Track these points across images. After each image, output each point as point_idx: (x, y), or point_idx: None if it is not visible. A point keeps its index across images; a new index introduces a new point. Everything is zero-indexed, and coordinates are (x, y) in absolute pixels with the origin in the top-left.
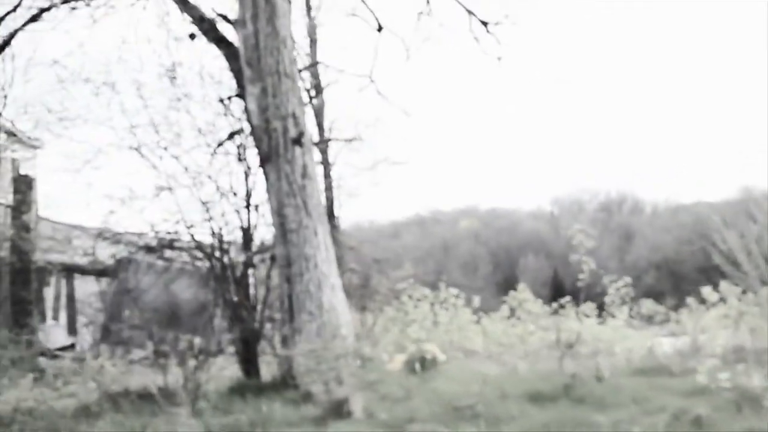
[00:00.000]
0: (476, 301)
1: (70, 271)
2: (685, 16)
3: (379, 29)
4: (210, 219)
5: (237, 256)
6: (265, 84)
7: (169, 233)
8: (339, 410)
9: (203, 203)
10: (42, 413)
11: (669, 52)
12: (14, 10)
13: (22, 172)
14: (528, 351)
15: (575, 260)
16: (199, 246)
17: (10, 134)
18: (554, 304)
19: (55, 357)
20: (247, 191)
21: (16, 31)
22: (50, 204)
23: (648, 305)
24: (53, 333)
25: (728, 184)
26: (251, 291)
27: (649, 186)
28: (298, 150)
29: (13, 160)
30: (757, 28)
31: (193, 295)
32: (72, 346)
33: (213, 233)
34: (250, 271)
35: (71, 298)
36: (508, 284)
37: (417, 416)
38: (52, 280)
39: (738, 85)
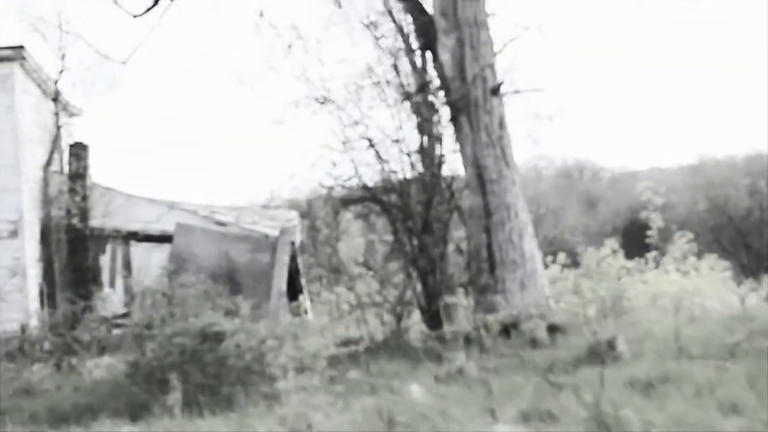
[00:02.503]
0: (561, 257)
1: (127, 238)
2: None
3: None
4: (391, 171)
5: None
6: (462, 34)
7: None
8: (606, 352)
9: (379, 157)
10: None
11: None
12: None
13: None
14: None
15: (644, 217)
16: (376, 197)
17: (58, 101)
18: (639, 260)
19: (115, 326)
20: (426, 143)
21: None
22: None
23: (712, 260)
24: (110, 301)
25: (681, 152)
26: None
27: (602, 153)
28: (495, 100)
29: (59, 128)
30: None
31: (250, 260)
32: (128, 314)
33: (393, 186)
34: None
35: (128, 266)
36: None
37: (688, 354)
38: (108, 247)
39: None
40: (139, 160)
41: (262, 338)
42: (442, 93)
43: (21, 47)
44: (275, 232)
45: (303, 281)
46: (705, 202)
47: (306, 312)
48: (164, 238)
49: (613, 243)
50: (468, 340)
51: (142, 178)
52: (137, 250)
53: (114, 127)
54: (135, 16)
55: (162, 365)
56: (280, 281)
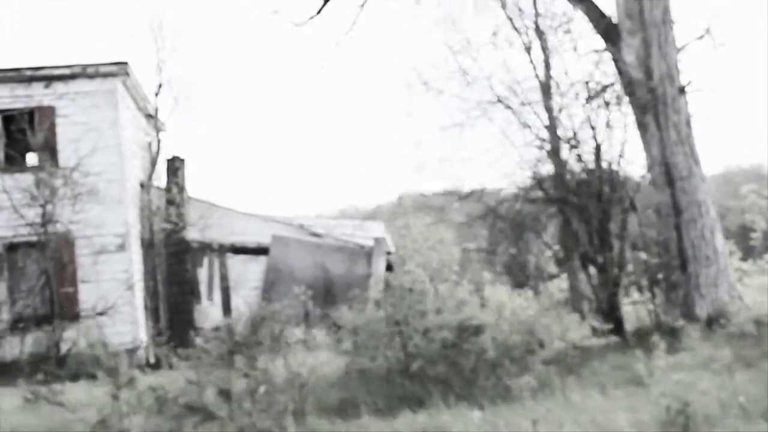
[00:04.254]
0: None
1: (224, 251)
2: None
3: None
4: (569, 171)
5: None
6: (648, 35)
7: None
8: None
9: (557, 156)
10: None
11: None
12: None
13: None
14: None
15: (749, 220)
16: (559, 197)
17: (149, 117)
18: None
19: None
20: (603, 143)
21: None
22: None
23: None
24: (208, 313)
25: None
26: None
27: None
28: (682, 99)
29: (159, 142)
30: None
31: (346, 271)
32: (229, 326)
33: (570, 185)
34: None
35: (225, 278)
36: None
37: None
38: (205, 260)
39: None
40: (226, 172)
41: (527, 330)
42: (623, 93)
43: (125, 63)
44: (370, 243)
45: None
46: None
47: None
48: (260, 250)
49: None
50: (674, 333)
51: (228, 189)
52: (234, 262)
53: (203, 139)
54: (296, 25)
55: (423, 358)
56: (376, 292)
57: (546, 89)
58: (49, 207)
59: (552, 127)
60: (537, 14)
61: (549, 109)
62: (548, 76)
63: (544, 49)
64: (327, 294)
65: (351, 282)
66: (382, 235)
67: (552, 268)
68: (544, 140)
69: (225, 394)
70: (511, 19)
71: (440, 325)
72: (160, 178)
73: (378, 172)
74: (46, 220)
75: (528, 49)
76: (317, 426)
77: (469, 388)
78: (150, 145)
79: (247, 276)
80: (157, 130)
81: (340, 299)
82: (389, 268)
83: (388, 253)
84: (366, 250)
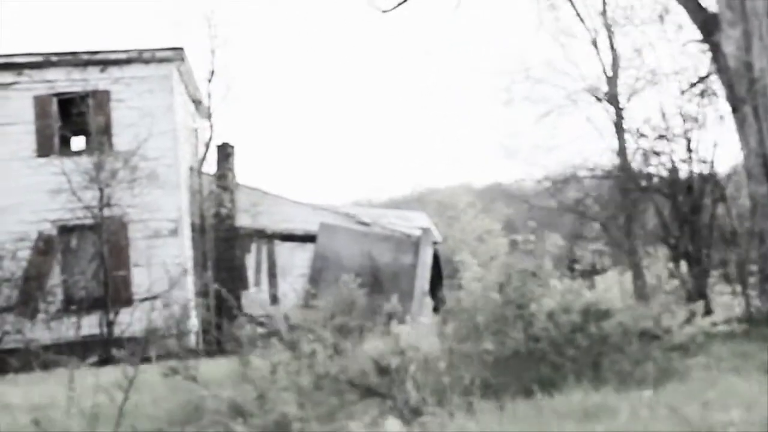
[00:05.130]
0: None
1: (272, 237)
2: None
3: None
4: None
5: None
6: (750, 26)
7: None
8: None
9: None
10: None
11: None
12: None
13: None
14: None
15: None
16: (657, 188)
17: (198, 103)
18: None
19: (260, 324)
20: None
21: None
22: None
23: None
24: (256, 299)
25: None
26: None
27: None
28: None
29: (195, 130)
30: None
31: (392, 260)
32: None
33: (671, 172)
34: None
35: (272, 264)
36: None
37: None
38: (253, 247)
39: None
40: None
41: (651, 315)
42: (721, 84)
43: (180, 49)
44: (417, 232)
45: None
46: None
47: None
48: (308, 238)
49: None
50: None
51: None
52: (281, 249)
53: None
54: (384, 11)
55: (547, 342)
56: (423, 281)
57: (613, 81)
58: (107, 190)
59: (619, 118)
60: (605, 3)
61: (615, 101)
62: (615, 68)
63: (611, 39)
64: (374, 282)
65: (397, 271)
66: (428, 225)
67: (607, 260)
68: (640, 132)
69: (384, 371)
70: (576, 10)
71: (565, 308)
72: (209, 164)
73: (390, 166)
74: (104, 203)
75: (594, 42)
76: (461, 404)
77: (596, 371)
78: (197, 131)
79: (294, 263)
80: (208, 116)
81: (386, 288)
82: (436, 258)
83: (435, 243)
84: (413, 239)
